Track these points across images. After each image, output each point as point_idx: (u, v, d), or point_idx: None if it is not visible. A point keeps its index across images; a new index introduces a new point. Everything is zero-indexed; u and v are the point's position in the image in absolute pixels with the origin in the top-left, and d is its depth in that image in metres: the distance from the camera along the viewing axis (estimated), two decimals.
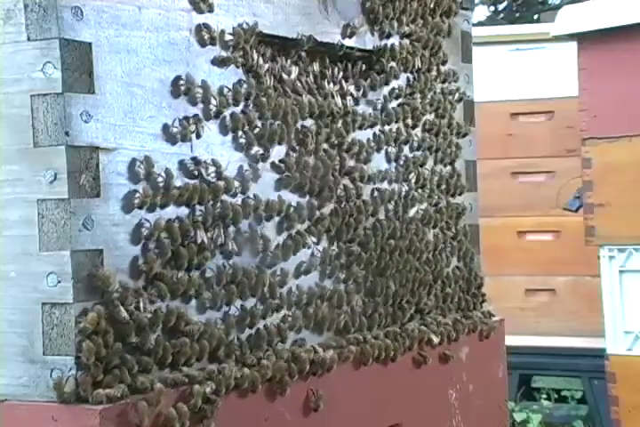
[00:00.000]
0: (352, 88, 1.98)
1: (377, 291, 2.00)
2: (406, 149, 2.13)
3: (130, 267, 1.49)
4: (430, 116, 2.21)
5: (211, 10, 1.64)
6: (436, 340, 2.10)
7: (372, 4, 2.01)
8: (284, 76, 1.81)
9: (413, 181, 2.14)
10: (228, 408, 1.57)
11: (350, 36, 1.95)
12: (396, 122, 2.10)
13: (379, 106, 2.06)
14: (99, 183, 1.45)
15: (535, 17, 10.92)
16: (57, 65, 1.41)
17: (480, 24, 11.38)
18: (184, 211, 1.58)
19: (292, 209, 1.79)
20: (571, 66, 4.10)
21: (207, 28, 1.64)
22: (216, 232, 1.63)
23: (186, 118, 1.60)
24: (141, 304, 1.48)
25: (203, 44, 1.64)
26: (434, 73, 2.22)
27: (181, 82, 1.59)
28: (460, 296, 2.28)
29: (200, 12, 1.63)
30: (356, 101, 1.99)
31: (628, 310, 3.88)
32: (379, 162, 2.05)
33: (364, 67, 2.03)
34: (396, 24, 2.09)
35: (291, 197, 1.80)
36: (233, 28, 1.69)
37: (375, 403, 1.95)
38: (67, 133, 1.41)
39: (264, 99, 1.74)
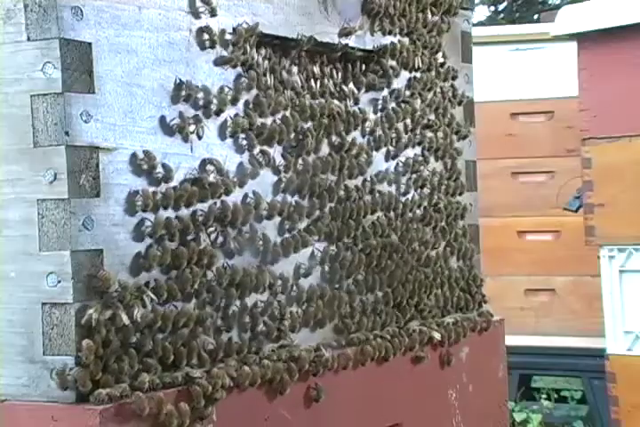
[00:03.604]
0: (352, 88, 1.98)
1: (377, 291, 2.00)
2: (406, 148, 2.13)
3: (130, 267, 1.49)
4: (430, 116, 2.21)
5: (214, 14, 1.64)
6: (437, 336, 2.10)
7: (372, 4, 2.01)
8: (284, 76, 1.81)
9: (413, 180, 2.14)
10: (228, 408, 1.58)
11: (347, 36, 1.95)
12: (396, 122, 2.09)
13: (379, 106, 2.06)
14: (99, 183, 1.45)
15: (535, 17, 10.92)
16: (57, 65, 1.41)
17: (480, 24, 11.38)
18: (184, 211, 1.58)
19: (292, 209, 1.79)
20: (571, 66, 4.10)
21: (207, 31, 1.64)
22: (216, 232, 1.63)
23: (186, 118, 1.60)
24: (141, 304, 1.48)
25: (203, 47, 1.64)
26: (434, 73, 2.22)
27: (183, 88, 1.59)
28: (460, 296, 2.28)
29: (198, 17, 1.63)
30: (356, 101, 1.99)
31: (627, 310, 3.87)
32: (379, 162, 2.05)
33: (363, 67, 2.03)
34: (396, 24, 2.09)
35: (291, 197, 1.80)
36: (233, 27, 1.70)
37: (375, 403, 1.95)
38: (67, 133, 1.41)
39: (264, 99, 1.74)
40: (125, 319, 1.45)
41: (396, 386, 2.01)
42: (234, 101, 1.68)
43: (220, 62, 1.67)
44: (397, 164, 2.10)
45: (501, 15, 12.87)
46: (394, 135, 2.09)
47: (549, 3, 12.49)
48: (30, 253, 1.44)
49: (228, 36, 1.68)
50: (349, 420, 1.88)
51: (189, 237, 1.58)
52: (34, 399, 1.43)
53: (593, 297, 4.38)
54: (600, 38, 3.82)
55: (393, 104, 2.09)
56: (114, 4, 1.49)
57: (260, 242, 1.72)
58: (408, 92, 2.14)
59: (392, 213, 2.06)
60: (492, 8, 13.06)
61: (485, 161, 3.65)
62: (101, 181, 1.46)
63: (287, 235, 1.79)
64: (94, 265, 1.44)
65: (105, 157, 1.46)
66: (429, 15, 2.20)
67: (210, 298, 1.61)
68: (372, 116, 2.02)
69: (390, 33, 2.07)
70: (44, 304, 1.43)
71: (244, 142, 1.71)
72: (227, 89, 1.67)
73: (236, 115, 1.69)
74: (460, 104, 2.31)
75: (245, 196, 1.70)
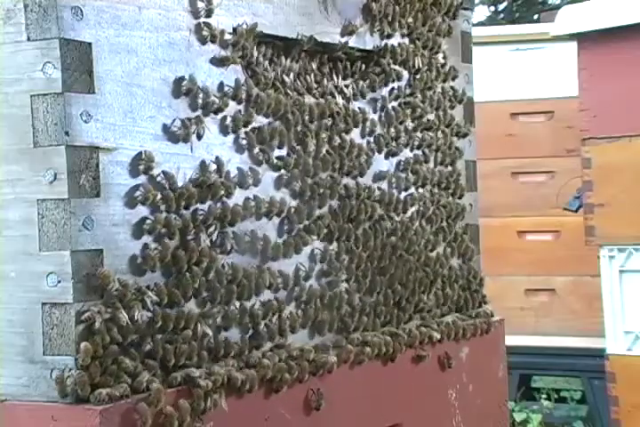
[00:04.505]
0: (352, 88, 1.98)
1: (377, 290, 2.00)
2: (406, 148, 2.13)
3: (130, 267, 1.49)
4: (430, 116, 2.21)
5: (209, 15, 1.64)
6: (436, 335, 2.10)
7: (372, 4, 2.01)
8: (284, 77, 1.81)
9: (413, 180, 2.14)
10: (228, 408, 1.57)
11: (350, 34, 1.95)
12: (396, 122, 2.10)
13: (379, 106, 2.06)
14: (99, 183, 1.45)
15: (535, 17, 10.91)
16: (57, 65, 1.41)
17: (480, 24, 11.38)
18: (184, 211, 1.58)
19: (292, 209, 1.79)
20: (571, 66, 4.10)
21: (208, 27, 1.64)
22: (216, 232, 1.63)
23: (186, 119, 1.60)
24: (141, 304, 1.48)
25: (203, 41, 1.64)
26: (434, 73, 2.22)
27: (184, 82, 1.59)
28: (460, 296, 2.28)
29: (198, 16, 1.63)
30: (356, 101, 1.99)
31: (627, 310, 3.87)
32: (379, 162, 2.05)
33: (364, 67, 2.03)
34: (396, 24, 2.09)
35: (290, 197, 1.80)
36: (233, 27, 1.70)
37: (375, 403, 1.95)
38: (67, 133, 1.41)
39: (264, 99, 1.74)
40: (125, 319, 1.45)
41: (396, 386, 2.01)
42: (234, 101, 1.68)
43: (219, 62, 1.67)
44: (397, 163, 2.10)
45: (501, 15, 12.87)
46: (394, 135, 2.09)
47: (549, 3, 12.49)
48: (30, 253, 1.44)
49: (227, 36, 1.68)
50: (349, 420, 1.88)
51: (189, 237, 1.58)
52: (34, 399, 1.43)
53: (593, 297, 4.38)
54: (600, 38, 3.82)
55: (393, 104, 2.09)
56: (114, 4, 1.49)
57: (260, 242, 1.72)
58: (408, 92, 2.14)
59: (392, 213, 2.06)
60: (492, 8, 13.05)
61: (485, 161, 3.66)
62: (101, 181, 1.46)
63: (287, 235, 1.79)
64: (94, 265, 1.44)
65: (105, 157, 1.46)
66: (429, 15, 2.20)
67: (210, 298, 1.61)
68: (372, 116, 2.02)
69: (390, 33, 2.07)
70: (44, 304, 1.43)
71: (244, 142, 1.71)
72: (227, 89, 1.67)
73: (237, 115, 1.69)
74: (460, 104, 2.31)
75: (246, 195, 1.70)
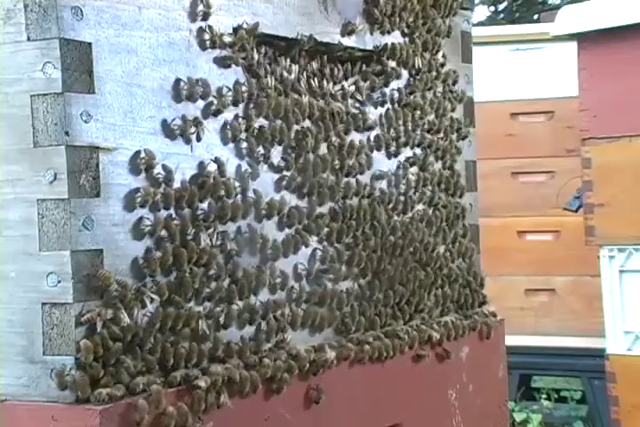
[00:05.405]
0: (352, 88, 1.98)
1: (377, 290, 2.00)
2: (406, 148, 2.13)
3: (130, 267, 1.49)
4: (430, 117, 2.21)
5: (205, 18, 1.64)
6: (436, 335, 2.10)
7: (372, 4, 2.01)
8: (285, 77, 1.81)
9: (413, 180, 2.14)
10: (228, 408, 1.57)
11: (350, 34, 1.95)
12: (396, 122, 2.09)
13: (379, 106, 2.06)
14: (99, 183, 1.45)
15: (535, 17, 10.91)
16: (57, 65, 1.41)
17: (480, 24, 11.38)
18: (184, 210, 1.58)
19: (292, 209, 1.79)
20: (571, 66, 4.10)
21: (208, 31, 1.64)
22: (216, 232, 1.63)
23: (186, 119, 1.60)
24: (141, 304, 1.48)
25: (203, 47, 1.64)
26: (434, 73, 2.22)
27: (184, 82, 1.59)
28: (460, 296, 2.28)
29: (197, 17, 1.63)
30: (357, 101, 1.99)
31: (627, 310, 3.87)
32: (379, 162, 2.05)
33: (364, 67, 2.03)
34: (396, 24, 2.09)
35: (290, 197, 1.80)
36: (233, 28, 1.70)
37: (375, 403, 1.95)
38: (67, 133, 1.41)
39: (264, 99, 1.74)
40: (126, 319, 1.45)
41: (396, 386, 2.01)
42: (234, 101, 1.68)
43: (219, 62, 1.67)
44: (397, 163, 2.10)
45: (501, 15, 12.87)
46: (394, 135, 2.09)
47: (549, 3, 12.49)
48: (30, 253, 1.44)
49: (227, 37, 1.68)
50: (349, 420, 1.88)
51: (189, 237, 1.58)
52: (34, 399, 1.43)
53: (593, 297, 4.38)
54: (600, 38, 3.82)
55: (393, 104, 2.09)
56: (114, 4, 1.49)
57: (260, 241, 1.72)
58: (408, 93, 2.14)
59: (392, 213, 2.06)
60: (492, 8, 13.06)
61: (485, 161, 3.65)
62: (101, 181, 1.46)
63: (287, 234, 1.79)
64: (94, 265, 1.44)
65: (105, 157, 1.47)
66: (429, 15, 2.20)
67: (210, 297, 1.61)
68: (372, 116, 2.02)
69: (390, 33, 2.07)
70: (44, 304, 1.43)
71: (245, 142, 1.71)
72: (227, 89, 1.67)
73: (237, 115, 1.69)
74: (460, 104, 2.31)
75: (246, 195, 1.70)
